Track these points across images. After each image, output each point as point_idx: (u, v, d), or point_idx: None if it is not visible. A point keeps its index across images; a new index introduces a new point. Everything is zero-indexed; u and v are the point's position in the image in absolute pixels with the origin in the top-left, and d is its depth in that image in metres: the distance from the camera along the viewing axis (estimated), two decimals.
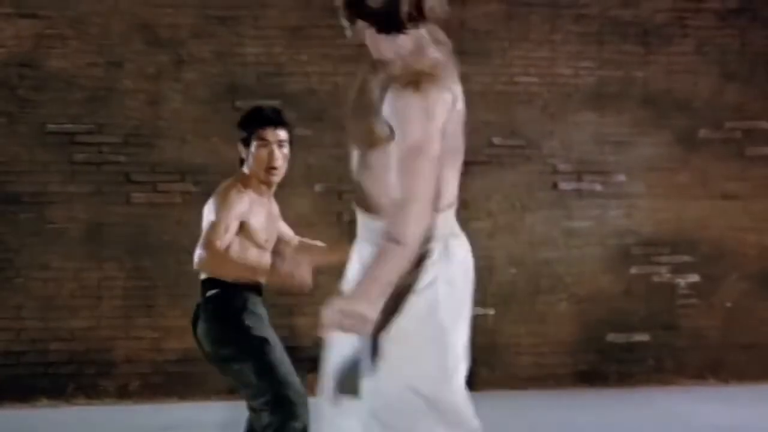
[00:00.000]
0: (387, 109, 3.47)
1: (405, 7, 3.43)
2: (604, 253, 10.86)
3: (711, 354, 10.93)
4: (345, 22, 3.62)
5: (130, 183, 9.76)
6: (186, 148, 9.92)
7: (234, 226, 5.40)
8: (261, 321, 5.46)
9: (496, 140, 10.69)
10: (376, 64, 3.59)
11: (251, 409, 5.47)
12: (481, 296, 10.40)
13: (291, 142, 5.75)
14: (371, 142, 3.56)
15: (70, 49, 10.03)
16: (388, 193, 3.54)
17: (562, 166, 10.81)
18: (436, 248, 3.63)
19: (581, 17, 10.90)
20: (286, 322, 9.91)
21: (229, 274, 5.38)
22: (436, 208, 3.53)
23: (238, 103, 9.98)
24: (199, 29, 10.25)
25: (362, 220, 3.74)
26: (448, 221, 3.71)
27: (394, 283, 3.46)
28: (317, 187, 10.38)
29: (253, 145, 5.59)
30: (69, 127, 9.91)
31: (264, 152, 5.56)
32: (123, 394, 9.76)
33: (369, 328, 3.48)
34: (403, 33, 3.50)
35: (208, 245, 5.29)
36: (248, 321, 5.40)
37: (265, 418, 5.31)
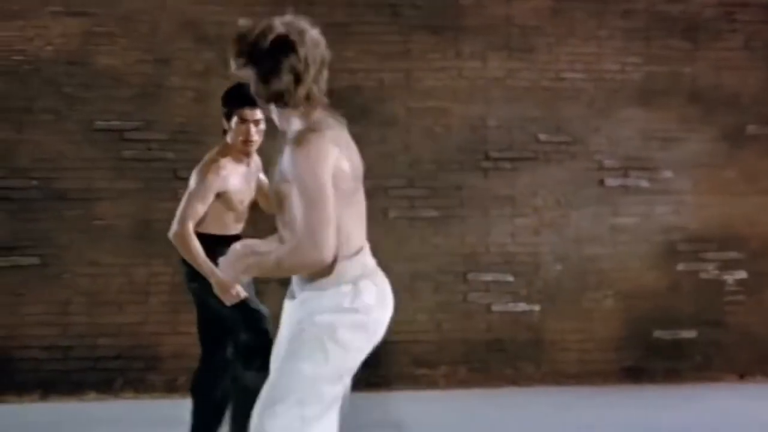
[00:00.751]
0: (284, 166, 4.07)
1: (298, 93, 4.09)
2: (650, 249, 10.80)
3: (759, 351, 10.86)
4: (259, 101, 4.26)
5: (178, 179, 9.79)
6: None
7: (210, 197, 6.42)
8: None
9: (542, 136, 10.68)
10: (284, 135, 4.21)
11: (233, 343, 6.58)
12: (526, 292, 10.52)
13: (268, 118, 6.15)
14: (281, 202, 4.19)
15: (118, 47, 10.10)
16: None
17: (608, 162, 10.77)
18: (346, 292, 4.15)
19: (628, 12, 10.85)
20: None
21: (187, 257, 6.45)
22: (340, 256, 4.05)
23: None
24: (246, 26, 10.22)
25: (297, 279, 4.32)
26: (356, 266, 4.18)
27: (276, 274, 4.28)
28: (364, 184, 10.30)
29: (233, 121, 6.51)
30: (117, 123, 9.98)
31: (242, 128, 6.48)
32: (170, 388, 9.82)
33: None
34: (298, 110, 4.15)
35: (182, 222, 6.40)
36: None
37: (242, 336, 6.38)
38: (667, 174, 10.88)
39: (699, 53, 10.98)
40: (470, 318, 10.54)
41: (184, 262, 6.59)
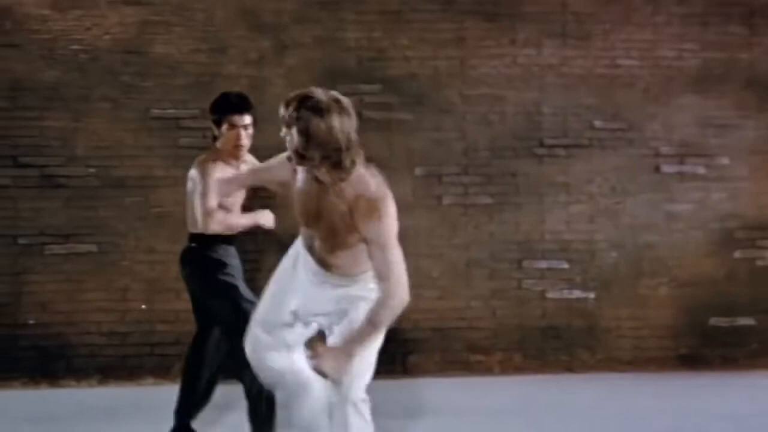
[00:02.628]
0: (362, 223, 4.75)
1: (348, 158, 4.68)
2: (706, 236, 10.75)
3: None
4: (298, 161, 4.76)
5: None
6: None
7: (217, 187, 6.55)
8: (232, 270, 6.73)
9: (597, 123, 10.65)
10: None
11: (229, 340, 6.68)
12: (581, 279, 10.49)
13: (255, 123, 6.82)
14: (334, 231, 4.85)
15: (175, 36, 10.18)
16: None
17: (664, 149, 10.72)
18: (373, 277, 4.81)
19: None
20: None
21: (233, 227, 6.76)
22: (362, 270, 4.90)
23: (339, 88, 9.90)
24: (301, 15, 10.35)
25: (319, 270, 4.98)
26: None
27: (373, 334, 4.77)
28: (417, 171, 10.42)
29: (224, 127, 6.72)
30: (173, 112, 10.05)
31: (233, 134, 6.69)
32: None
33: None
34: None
35: (208, 212, 6.59)
36: (220, 272, 6.71)
37: (234, 341, 6.27)
38: (724, 160, 10.81)
39: (756, 39, 10.89)
40: (525, 305, 10.54)
41: (182, 262, 6.90)
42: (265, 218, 6.90)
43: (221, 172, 6.63)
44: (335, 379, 4.68)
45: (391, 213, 4.76)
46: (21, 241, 9.93)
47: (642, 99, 10.71)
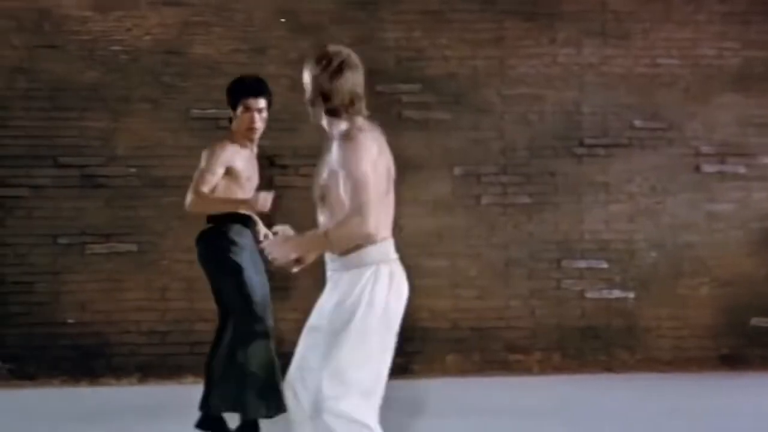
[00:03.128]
0: (332, 159, 4.70)
1: (340, 101, 4.72)
2: (747, 236, 10.71)
3: None
4: (309, 108, 4.85)
5: (274, 166, 9.86)
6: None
7: (220, 171, 6.74)
8: (243, 251, 6.80)
9: (637, 123, 10.63)
10: (329, 137, 4.83)
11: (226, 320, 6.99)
12: (621, 279, 10.46)
13: (269, 107, 6.96)
14: (325, 196, 4.78)
15: (214, 36, 10.23)
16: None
17: (704, 149, 10.69)
18: (366, 272, 4.66)
19: None
20: (425, 304, 10.06)
21: (215, 210, 6.80)
22: (371, 240, 4.67)
23: (379, 88, 10.11)
24: (340, 15, 10.38)
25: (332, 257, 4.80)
26: (381, 251, 4.74)
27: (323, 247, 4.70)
28: (456, 170, 10.43)
29: (239, 109, 6.83)
30: (213, 112, 10.00)
31: (247, 116, 6.80)
32: None
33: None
34: (341, 117, 4.75)
35: (195, 190, 6.68)
36: (233, 254, 6.79)
37: (241, 326, 6.75)
38: (765, 160, 10.76)
39: None
40: (564, 304, 10.53)
41: (197, 243, 7.02)
42: (261, 200, 6.65)
43: (233, 154, 6.77)
44: (274, 262, 4.71)
45: (364, 150, 4.68)
46: (61, 240, 10.00)
47: (682, 98, 10.68)
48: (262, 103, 6.84)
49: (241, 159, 6.87)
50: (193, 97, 10.14)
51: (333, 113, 4.78)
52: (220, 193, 6.79)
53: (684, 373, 10.31)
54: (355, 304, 4.62)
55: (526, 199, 10.54)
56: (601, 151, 10.58)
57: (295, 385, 4.68)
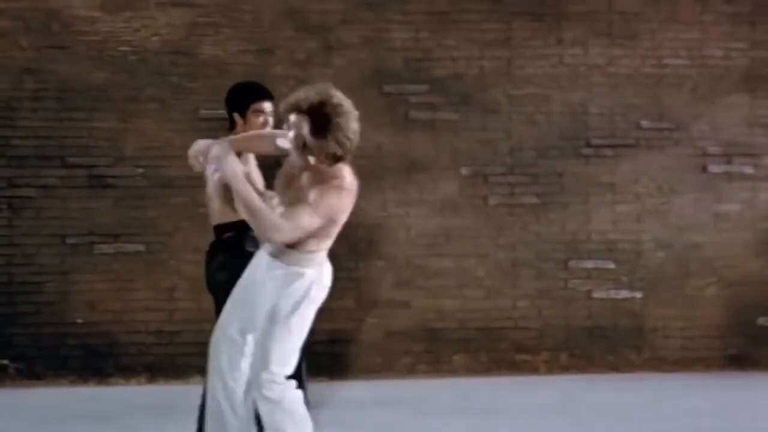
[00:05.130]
0: (312, 181, 5.20)
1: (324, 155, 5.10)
2: (754, 236, 10.68)
3: None
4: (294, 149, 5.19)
5: (279, 167, 9.86)
6: None
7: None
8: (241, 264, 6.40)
9: (644, 123, 10.61)
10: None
11: None
12: (628, 280, 10.46)
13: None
14: (290, 182, 5.35)
15: (223, 37, 10.21)
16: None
17: (711, 149, 10.65)
18: (309, 273, 5.27)
19: None
20: (432, 304, 10.18)
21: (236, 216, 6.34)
22: (318, 248, 5.25)
23: (386, 89, 10.21)
24: (348, 15, 10.36)
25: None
26: (305, 258, 5.26)
27: (242, 196, 5.15)
28: (463, 171, 10.43)
29: (249, 114, 6.69)
30: (221, 112, 9.84)
31: (259, 121, 6.64)
32: None
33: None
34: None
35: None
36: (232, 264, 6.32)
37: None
38: None
39: None
40: (571, 305, 10.52)
41: (225, 254, 6.61)
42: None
43: (242, 163, 6.47)
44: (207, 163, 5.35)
45: (337, 207, 5.14)
46: (69, 240, 10.00)
47: (689, 98, 10.65)
48: (271, 106, 6.71)
49: (253, 166, 6.73)
50: (201, 98, 10.10)
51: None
52: (227, 205, 6.46)
53: (691, 373, 10.31)
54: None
55: (534, 200, 10.53)
56: (608, 152, 10.56)
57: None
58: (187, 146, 9.96)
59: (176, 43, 10.17)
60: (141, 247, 10.09)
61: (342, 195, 5.12)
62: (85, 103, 10.05)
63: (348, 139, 5.07)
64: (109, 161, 10.08)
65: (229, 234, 6.54)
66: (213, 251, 6.69)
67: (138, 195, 10.08)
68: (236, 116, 6.77)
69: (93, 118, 10.07)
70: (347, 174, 5.19)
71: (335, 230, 5.27)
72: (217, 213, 6.62)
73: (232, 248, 6.49)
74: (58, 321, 9.97)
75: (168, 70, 10.16)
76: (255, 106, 6.69)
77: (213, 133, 9.87)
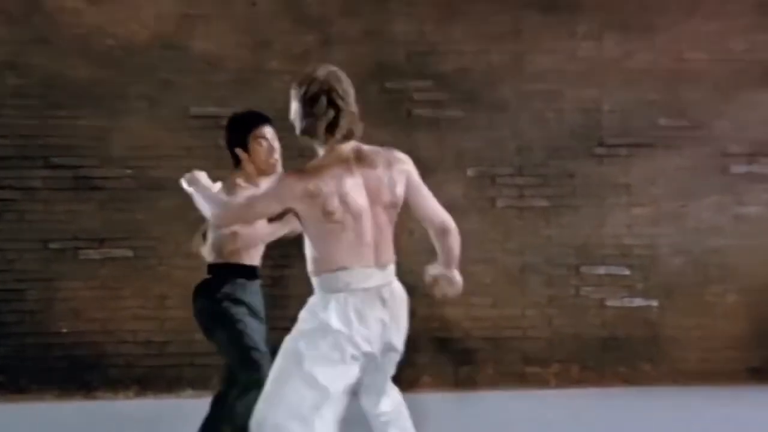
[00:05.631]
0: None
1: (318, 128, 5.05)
2: None
3: None
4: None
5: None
6: None
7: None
8: (240, 306, 6.37)
9: (662, 121, 10.50)
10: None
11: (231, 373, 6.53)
12: (643, 287, 10.30)
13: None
14: None
15: (215, 30, 10.11)
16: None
17: (733, 148, 10.54)
18: (316, 302, 4.86)
19: None
20: (437, 313, 9.97)
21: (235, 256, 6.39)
22: (320, 270, 4.86)
23: (388, 84, 10.14)
24: (348, 7, 10.29)
25: None
26: (334, 280, 4.85)
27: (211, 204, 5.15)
28: (470, 172, 10.30)
29: (253, 143, 6.39)
30: (214, 110, 9.89)
31: (264, 148, 6.39)
32: None
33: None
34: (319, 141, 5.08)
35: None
36: (230, 308, 6.29)
37: (240, 376, 6.27)
38: None
39: None
40: (583, 313, 10.36)
41: (193, 298, 6.47)
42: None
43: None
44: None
45: (281, 189, 4.91)
46: (53, 245, 9.87)
47: (710, 95, 10.54)
48: (272, 130, 6.46)
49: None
50: (192, 95, 10.02)
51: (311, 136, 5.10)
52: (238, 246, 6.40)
53: (710, 387, 10.12)
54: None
55: (544, 202, 10.39)
56: (623, 152, 10.44)
57: None
58: (177, 146, 9.87)
59: (166, 36, 10.09)
60: (129, 253, 9.97)
61: (283, 178, 4.94)
62: (69, 101, 9.96)
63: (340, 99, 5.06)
64: (95, 162, 9.97)
65: (213, 275, 6.44)
66: (195, 293, 6.53)
67: (126, 197, 9.97)
68: (239, 151, 6.44)
69: (78, 116, 9.97)
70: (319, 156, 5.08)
71: (330, 220, 4.89)
72: (207, 249, 6.46)
73: (211, 291, 6.39)
74: (42, 331, 9.85)
75: (157, 65, 10.05)
76: (255, 132, 6.42)
77: (205, 132, 9.80)
